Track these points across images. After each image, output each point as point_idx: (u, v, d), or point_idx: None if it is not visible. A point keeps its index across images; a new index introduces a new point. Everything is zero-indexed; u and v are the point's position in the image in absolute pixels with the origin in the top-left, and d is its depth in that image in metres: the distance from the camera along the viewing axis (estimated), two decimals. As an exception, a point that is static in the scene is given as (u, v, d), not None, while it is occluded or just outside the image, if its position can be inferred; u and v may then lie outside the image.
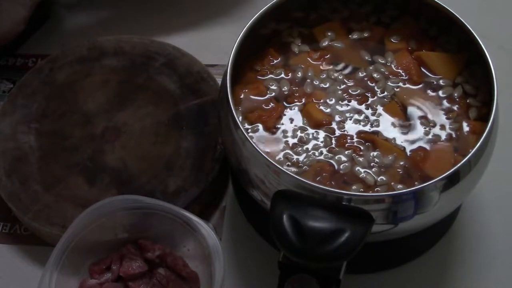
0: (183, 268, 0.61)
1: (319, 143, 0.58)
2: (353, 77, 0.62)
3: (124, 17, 0.83)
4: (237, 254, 0.65)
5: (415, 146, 0.58)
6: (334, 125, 0.59)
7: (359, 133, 0.59)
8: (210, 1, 0.84)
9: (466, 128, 0.59)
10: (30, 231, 0.67)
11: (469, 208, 0.67)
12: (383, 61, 0.63)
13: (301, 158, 0.58)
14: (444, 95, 0.61)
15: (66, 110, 0.70)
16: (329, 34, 0.64)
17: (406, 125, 0.59)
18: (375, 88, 0.61)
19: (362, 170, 0.57)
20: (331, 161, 0.57)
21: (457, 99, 0.60)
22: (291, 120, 0.60)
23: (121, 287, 0.60)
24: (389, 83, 0.61)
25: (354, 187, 0.56)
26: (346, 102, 0.61)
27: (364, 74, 0.62)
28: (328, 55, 0.63)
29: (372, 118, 0.60)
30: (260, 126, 0.60)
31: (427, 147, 0.58)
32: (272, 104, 0.61)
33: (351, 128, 0.59)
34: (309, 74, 0.62)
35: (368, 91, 0.61)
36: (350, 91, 0.61)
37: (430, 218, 0.57)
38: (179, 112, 0.70)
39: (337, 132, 0.59)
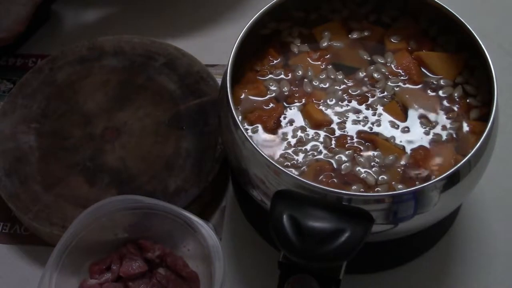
0: (183, 268, 0.61)
1: (319, 143, 0.58)
2: (353, 77, 0.62)
3: (124, 17, 0.83)
4: (237, 254, 0.65)
5: (415, 146, 0.58)
6: (334, 125, 0.59)
7: (359, 133, 0.59)
8: (210, 1, 0.84)
9: (466, 128, 0.59)
10: (30, 231, 0.67)
11: (469, 208, 0.67)
12: (383, 61, 0.63)
13: (301, 158, 0.58)
14: (444, 95, 0.61)
15: (66, 110, 0.70)
16: (328, 34, 0.64)
17: (406, 125, 0.59)
18: (375, 88, 0.61)
19: (362, 170, 0.57)
20: (331, 160, 0.57)
21: (457, 99, 0.60)
22: (291, 120, 0.60)
23: (121, 287, 0.60)
24: (389, 83, 0.61)
25: (354, 187, 0.56)
26: (346, 102, 0.61)
27: (364, 74, 0.62)
28: (328, 55, 0.63)
29: (372, 118, 0.60)
30: (260, 126, 0.60)
31: (428, 146, 0.58)
32: (272, 104, 0.61)
33: (351, 128, 0.59)
34: (309, 74, 0.62)
35: (368, 91, 0.61)
36: (350, 91, 0.61)
37: (430, 218, 0.57)
38: (179, 112, 0.70)
39: (337, 132, 0.59)
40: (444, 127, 0.59)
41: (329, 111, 0.60)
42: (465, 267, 0.64)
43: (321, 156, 0.58)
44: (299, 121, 0.60)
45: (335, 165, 0.57)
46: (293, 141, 0.59)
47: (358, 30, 0.65)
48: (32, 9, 0.76)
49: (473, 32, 0.59)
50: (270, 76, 0.63)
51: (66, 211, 0.64)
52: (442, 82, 0.61)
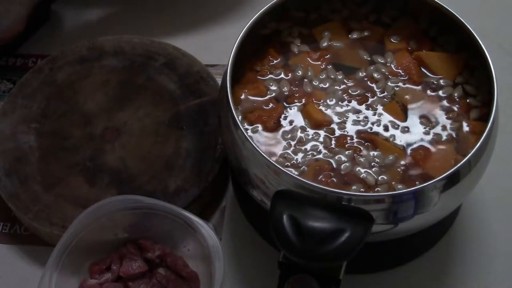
0: (183, 268, 0.61)
1: (318, 143, 0.58)
2: (353, 77, 0.62)
3: (124, 17, 0.83)
4: (237, 254, 0.65)
5: (415, 146, 0.58)
6: (334, 125, 0.59)
7: (359, 133, 0.59)
8: (210, 1, 0.84)
9: (466, 128, 0.59)
10: (30, 231, 0.67)
11: (469, 208, 0.67)
12: (383, 61, 0.63)
13: (300, 158, 0.58)
14: (444, 95, 0.61)
15: (66, 110, 0.70)
16: (328, 34, 0.64)
17: (406, 125, 0.59)
18: (375, 88, 0.61)
19: (362, 170, 0.57)
20: (331, 160, 0.57)
21: (457, 99, 0.60)
22: (291, 120, 0.60)
23: (121, 287, 0.60)
24: (389, 83, 0.61)
25: (354, 187, 0.56)
26: (346, 102, 0.61)
27: (364, 74, 0.62)
28: (328, 55, 0.63)
29: (372, 118, 0.60)
30: (260, 126, 0.60)
31: (428, 146, 0.58)
32: (272, 105, 0.61)
33: (351, 128, 0.59)
34: (309, 74, 0.62)
35: (368, 91, 0.61)
36: (350, 91, 0.61)
37: (430, 218, 0.57)
38: (179, 112, 0.70)
39: (337, 132, 0.59)
40: (444, 127, 0.59)
41: (329, 111, 0.60)
42: (465, 267, 0.64)
43: (321, 156, 0.58)
44: (299, 121, 0.60)
45: (334, 165, 0.57)
46: (293, 141, 0.59)
47: (358, 30, 0.65)
48: (31, 8, 0.76)
49: (473, 32, 0.59)
50: (270, 76, 0.63)
51: (66, 211, 0.64)
52: (442, 82, 0.61)
